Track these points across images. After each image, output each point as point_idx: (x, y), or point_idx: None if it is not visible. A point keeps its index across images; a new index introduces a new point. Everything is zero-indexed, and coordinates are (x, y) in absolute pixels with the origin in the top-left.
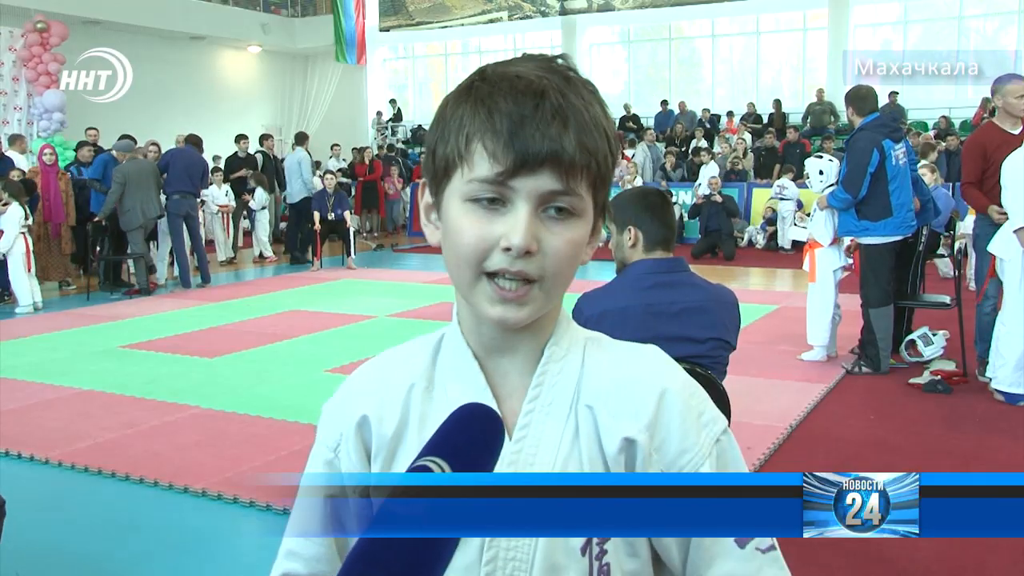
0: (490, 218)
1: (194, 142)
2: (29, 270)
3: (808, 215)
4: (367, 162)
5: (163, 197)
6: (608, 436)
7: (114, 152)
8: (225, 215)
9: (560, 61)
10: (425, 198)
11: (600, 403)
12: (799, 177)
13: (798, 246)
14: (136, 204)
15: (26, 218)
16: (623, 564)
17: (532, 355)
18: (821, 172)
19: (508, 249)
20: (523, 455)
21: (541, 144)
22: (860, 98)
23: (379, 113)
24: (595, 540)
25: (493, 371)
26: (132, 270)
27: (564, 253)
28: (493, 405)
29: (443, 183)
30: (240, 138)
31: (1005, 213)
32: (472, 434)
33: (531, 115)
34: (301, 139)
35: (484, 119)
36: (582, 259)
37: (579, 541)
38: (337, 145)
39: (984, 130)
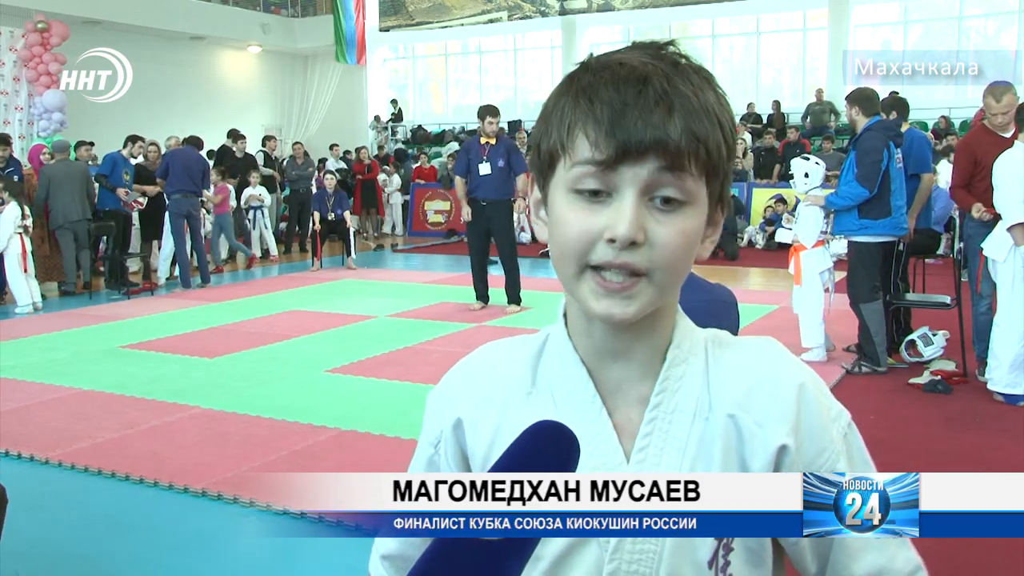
0: (594, 209)
1: (194, 143)
2: (26, 270)
3: (794, 217)
4: (365, 162)
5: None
6: (756, 446)
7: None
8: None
9: (671, 48)
10: (534, 194)
11: (743, 411)
12: None
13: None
14: (58, 205)
15: (23, 218)
16: (746, 574)
17: (649, 359)
18: (807, 175)
19: (612, 240)
20: (646, 464)
21: (644, 131)
22: (866, 98)
23: (377, 118)
24: (720, 552)
25: (604, 379)
26: (133, 270)
27: (674, 244)
28: (603, 415)
29: (548, 176)
30: (237, 137)
31: (988, 211)
32: (544, 452)
33: (633, 102)
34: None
35: (586, 108)
36: (699, 254)
37: (706, 553)
38: (336, 145)
39: (975, 133)
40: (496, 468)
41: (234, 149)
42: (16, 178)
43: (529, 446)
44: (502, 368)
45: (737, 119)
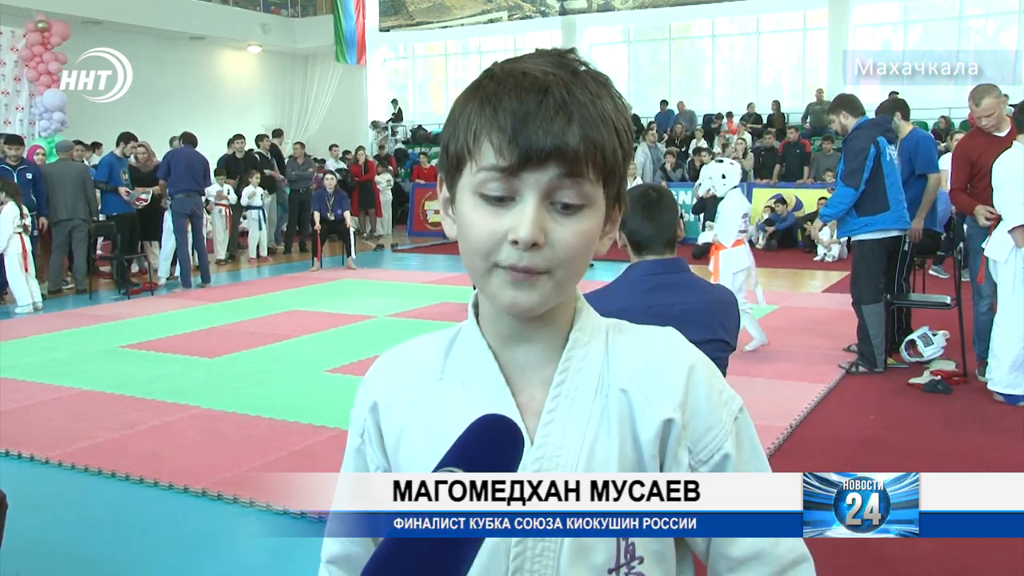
0: (499, 213)
1: (189, 140)
2: (27, 270)
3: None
4: (361, 163)
5: (168, 198)
6: (645, 419)
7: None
8: (227, 213)
9: (571, 56)
10: (443, 193)
11: (634, 386)
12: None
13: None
14: (55, 204)
15: (22, 217)
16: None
17: (551, 344)
18: (724, 176)
19: (516, 242)
20: (551, 439)
21: (545, 139)
22: (848, 101)
23: (375, 123)
24: (623, 558)
25: (510, 362)
26: (134, 270)
27: (573, 244)
28: (507, 395)
29: (455, 177)
30: (236, 138)
31: (992, 215)
32: (490, 444)
33: (535, 111)
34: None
35: (490, 116)
36: (598, 250)
37: (606, 559)
38: (335, 146)
39: (970, 136)
40: (445, 460)
41: (234, 150)
42: (30, 176)
43: (475, 438)
44: (416, 355)
45: (737, 119)
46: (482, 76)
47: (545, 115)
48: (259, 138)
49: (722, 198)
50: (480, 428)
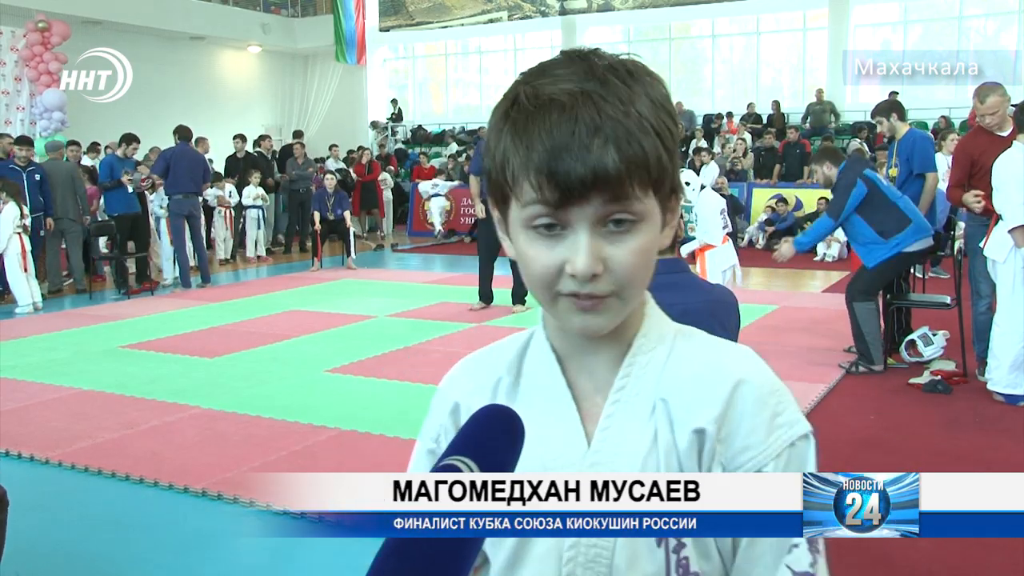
0: (552, 244)
1: (184, 135)
2: (26, 270)
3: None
4: (365, 163)
5: (166, 198)
6: (680, 429)
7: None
8: (228, 214)
9: (596, 59)
10: (495, 212)
11: (674, 395)
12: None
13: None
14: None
15: (22, 217)
16: (699, 562)
17: (617, 350)
18: (689, 183)
19: (574, 275)
20: (607, 444)
21: (584, 171)
22: (829, 151)
23: (374, 123)
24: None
25: (578, 369)
26: (132, 270)
27: (632, 263)
28: (568, 401)
29: (504, 207)
30: (238, 138)
31: (980, 198)
32: (496, 433)
33: (568, 142)
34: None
35: (524, 155)
36: (660, 243)
37: (656, 572)
38: (336, 146)
39: (971, 135)
40: (450, 449)
41: (235, 150)
42: (38, 177)
43: (481, 427)
44: (494, 360)
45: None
46: (508, 101)
47: (580, 144)
48: (260, 138)
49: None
50: (484, 416)
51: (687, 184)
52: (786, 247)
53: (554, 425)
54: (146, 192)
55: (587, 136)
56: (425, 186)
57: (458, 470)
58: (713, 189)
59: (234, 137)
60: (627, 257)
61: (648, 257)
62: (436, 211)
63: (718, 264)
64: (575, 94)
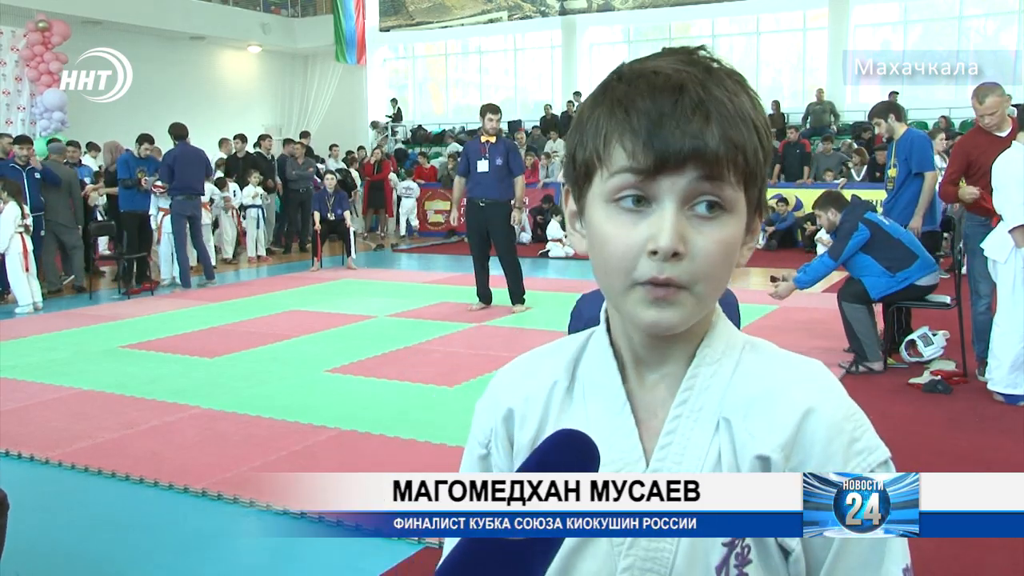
0: (634, 220)
1: (179, 134)
2: (27, 270)
3: None
4: (374, 162)
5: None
6: (743, 453)
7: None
8: (234, 213)
9: (702, 52)
10: (569, 206)
11: (738, 416)
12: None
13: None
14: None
15: (23, 217)
16: None
17: (682, 361)
18: None
19: (655, 252)
20: (667, 463)
21: (682, 141)
22: (837, 199)
23: (375, 123)
24: (732, 562)
25: (639, 382)
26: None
27: (715, 254)
28: (627, 413)
29: (585, 188)
30: (238, 138)
31: (976, 191)
32: (568, 461)
33: (671, 111)
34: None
35: (622, 119)
36: (739, 261)
37: (716, 559)
38: (336, 146)
39: (970, 134)
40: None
41: (235, 150)
42: (38, 176)
43: (552, 452)
44: (546, 366)
45: None
46: (609, 78)
47: (682, 115)
48: (261, 138)
49: None
50: (557, 441)
51: None
52: (784, 287)
53: (610, 438)
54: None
55: (691, 109)
56: (400, 188)
57: None
58: None
59: (234, 137)
60: (710, 246)
61: (729, 255)
62: (404, 212)
63: None
64: (681, 71)
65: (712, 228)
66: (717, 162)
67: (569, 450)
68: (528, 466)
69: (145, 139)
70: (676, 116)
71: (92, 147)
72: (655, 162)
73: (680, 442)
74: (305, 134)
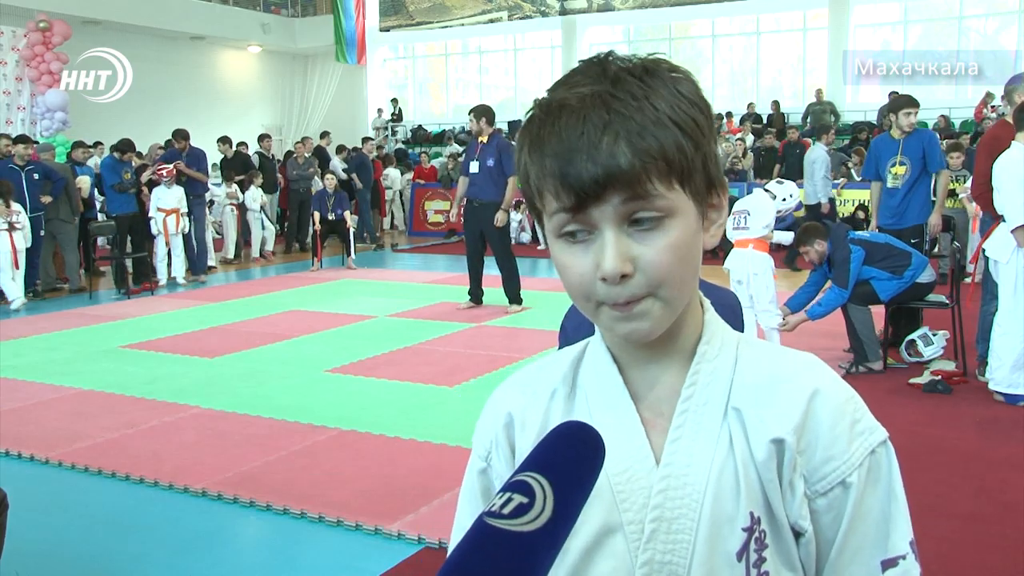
0: (584, 249)
1: (181, 137)
2: (17, 267)
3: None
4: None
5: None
6: (757, 440)
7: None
8: (238, 212)
9: (611, 59)
10: (540, 227)
11: (748, 405)
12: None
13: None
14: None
15: (10, 215)
16: (781, 574)
17: (680, 358)
18: (774, 194)
19: (605, 279)
20: (678, 456)
21: (594, 170)
22: (816, 230)
23: (380, 111)
24: (753, 547)
25: (640, 378)
26: (130, 270)
27: (666, 260)
28: (631, 411)
29: (540, 218)
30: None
31: None
32: (574, 452)
33: (577, 145)
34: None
35: (539, 163)
36: (706, 242)
37: (735, 545)
38: (344, 147)
39: (997, 128)
40: (524, 464)
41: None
42: (37, 176)
43: (557, 445)
44: (544, 378)
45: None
46: (529, 114)
47: (589, 145)
48: (261, 138)
49: None
50: (562, 434)
51: (773, 197)
52: (794, 319)
53: (616, 437)
54: (165, 185)
55: (596, 135)
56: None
57: (529, 487)
58: None
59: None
60: (656, 255)
61: (683, 254)
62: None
63: (733, 270)
64: (585, 97)
65: (656, 237)
66: (636, 179)
67: (574, 441)
68: (533, 457)
69: (126, 148)
70: (584, 148)
71: (96, 146)
72: (576, 199)
73: (689, 436)
74: (324, 134)
